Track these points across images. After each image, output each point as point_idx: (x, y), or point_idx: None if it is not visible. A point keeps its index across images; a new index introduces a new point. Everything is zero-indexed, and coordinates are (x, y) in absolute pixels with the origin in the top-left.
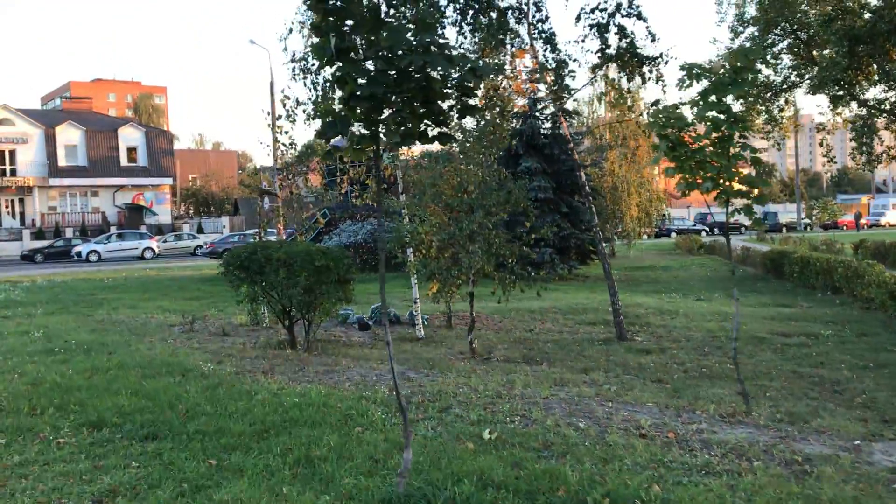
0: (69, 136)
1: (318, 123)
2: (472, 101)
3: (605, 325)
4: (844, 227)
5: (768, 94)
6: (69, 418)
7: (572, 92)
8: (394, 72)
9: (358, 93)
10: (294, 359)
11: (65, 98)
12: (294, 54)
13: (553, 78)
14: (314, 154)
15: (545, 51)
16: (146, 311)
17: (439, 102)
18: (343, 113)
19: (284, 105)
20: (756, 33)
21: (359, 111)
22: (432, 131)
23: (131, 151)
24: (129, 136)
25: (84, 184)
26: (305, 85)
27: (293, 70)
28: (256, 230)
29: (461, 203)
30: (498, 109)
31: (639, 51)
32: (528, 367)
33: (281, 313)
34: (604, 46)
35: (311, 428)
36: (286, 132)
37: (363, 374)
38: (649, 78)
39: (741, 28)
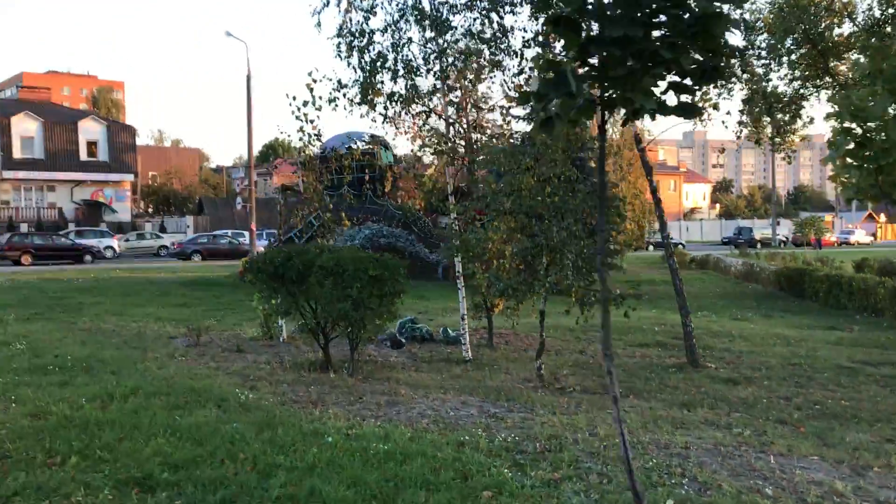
0: (25, 126)
1: (362, 109)
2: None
3: (660, 347)
4: (814, 245)
5: (779, 105)
6: (102, 471)
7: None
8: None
9: (595, 36)
10: (340, 385)
11: (19, 87)
12: (343, 26)
13: None
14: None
15: None
16: (134, 319)
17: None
18: (575, 65)
19: (311, 90)
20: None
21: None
22: (676, 98)
23: (91, 145)
24: (90, 130)
25: (40, 177)
26: (352, 65)
27: (338, 46)
28: (225, 231)
29: (547, 206)
30: None
31: None
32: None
33: (315, 329)
34: None
35: (427, 491)
36: (311, 121)
37: (434, 409)
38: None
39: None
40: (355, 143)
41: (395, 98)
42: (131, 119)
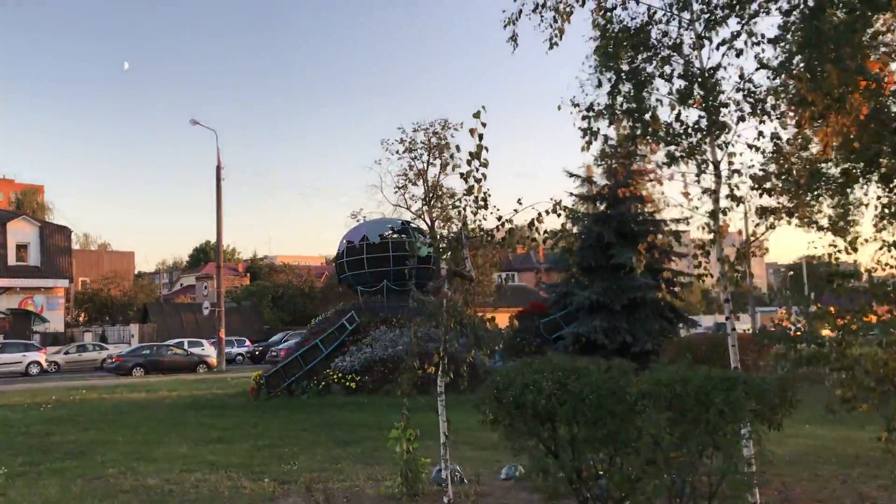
0: None
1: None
2: None
3: None
4: None
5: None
6: None
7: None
8: None
9: None
10: None
11: None
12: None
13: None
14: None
15: None
16: (177, 467)
17: None
18: None
19: (480, 137)
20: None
21: None
22: None
23: (21, 249)
24: (21, 232)
25: None
26: (611, 80)
27: (600, 53)
28: (180, 340)
29: None
30: None
31: None
32: None
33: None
34: None
35: None
36: (478, 179)
37: None
38: None
39: None
40: (391, 231)
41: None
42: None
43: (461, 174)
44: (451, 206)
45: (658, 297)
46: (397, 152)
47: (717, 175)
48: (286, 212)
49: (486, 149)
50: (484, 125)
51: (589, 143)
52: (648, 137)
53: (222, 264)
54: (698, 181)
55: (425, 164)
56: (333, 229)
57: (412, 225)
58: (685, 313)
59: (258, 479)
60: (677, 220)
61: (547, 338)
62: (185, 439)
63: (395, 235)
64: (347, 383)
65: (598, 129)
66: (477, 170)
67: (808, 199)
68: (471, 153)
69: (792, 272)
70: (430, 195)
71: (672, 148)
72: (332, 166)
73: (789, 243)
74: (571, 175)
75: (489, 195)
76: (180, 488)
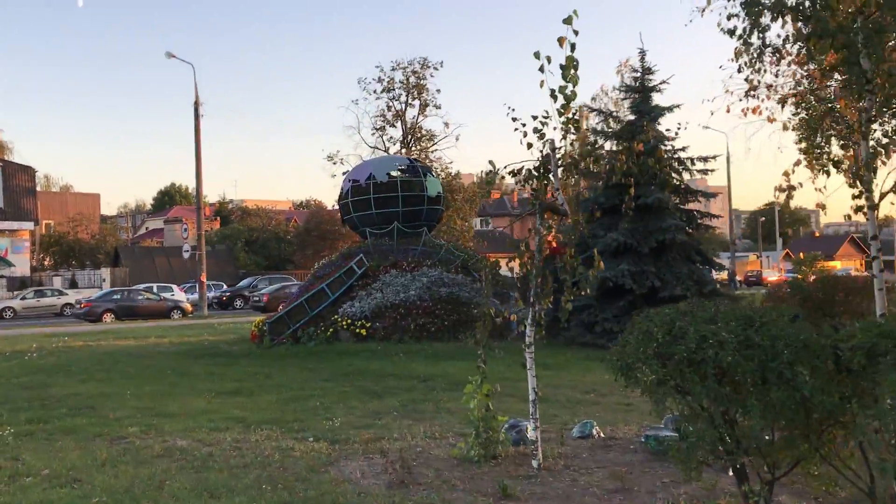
0: None
1: None
2: None
3: None
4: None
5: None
6: None
7: None
8: None
9: None
10: None
11: None
12: None
13: None
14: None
15: None
16: (202, 424)
17: None
18: None
19: (573, 47)
20: None
21: None
22: None
23: None
24: None
25: None
26: None
27: None
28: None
29: None
30: None
31: None
32: None
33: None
34: None
35: None
36: (568, 96)
37: None
38: None
39: None
40: (398, 170)
41: None
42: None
43: (550, 91)
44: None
45: (686, 238)
46: (375, 92)
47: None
48: (252, 155)
49: (577, 62)
50: (576, 33)
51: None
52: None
53: (194, 207)
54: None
55: (403, 105)
56: (303, 173)
57: (419, 163)
58: (712, 256)
59: (303, 439)
60: (704, 158)
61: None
62: (199, 391)
63: (404, 175)
64: (357, 330)
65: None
66: (568, 86)
67: None
68: (562, 66)
69: None
70: (409, 137)
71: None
72: (304, 108)
73: None
74: (593, 110)
75: (579, 116)
76: (219, 451)
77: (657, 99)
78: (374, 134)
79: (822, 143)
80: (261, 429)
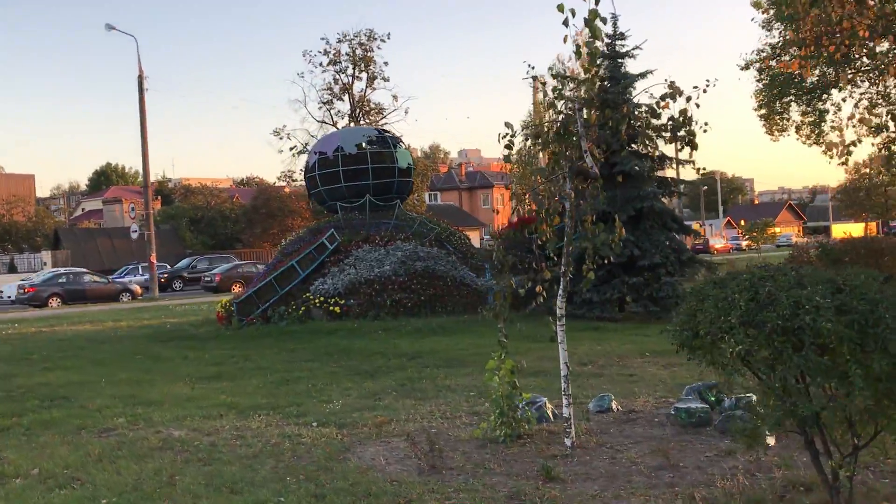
0: None
1: None
2: None
3: None
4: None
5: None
6: None
7: None
8: None
9: None
10: None
11: None
12: None
13: None
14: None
15: None
16: (183, 410)
17: None
18: None
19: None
20: None
21: None
22: None
23: None
24: None
25: None
26: None
27: None
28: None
29: None
30: None
31: None
32: None
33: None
34: None
35: None
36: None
37: None
38: None
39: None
40: (367, 141)
41: None
42: None
43: (576, 47)
44: (379, 123)
45: (662, 205)
46: (321, 65)
47: None
48: (190, 132)
49: (605, 20)
50: None
51: None
52: None
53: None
54: None
55: (350, 79)
56: (243, 150)
57: (389, 134)
58: (687, 223)
59: (306, 424)
60: (675, 127)
61: (541, 253)
62: (178, 377)
63: (373, 146)
64: (331, 308)
65: None
66: (593, 43)
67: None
68: (585, 20)
69: None
70: (357, 111)
71: None
72: (244, 83)
73: None
74: (565, 78)
75: (599, 76)
76: (222, 440)
77: (630, 66)
78: (321, 108)
79: (781, 110)
80: (257, 415)
